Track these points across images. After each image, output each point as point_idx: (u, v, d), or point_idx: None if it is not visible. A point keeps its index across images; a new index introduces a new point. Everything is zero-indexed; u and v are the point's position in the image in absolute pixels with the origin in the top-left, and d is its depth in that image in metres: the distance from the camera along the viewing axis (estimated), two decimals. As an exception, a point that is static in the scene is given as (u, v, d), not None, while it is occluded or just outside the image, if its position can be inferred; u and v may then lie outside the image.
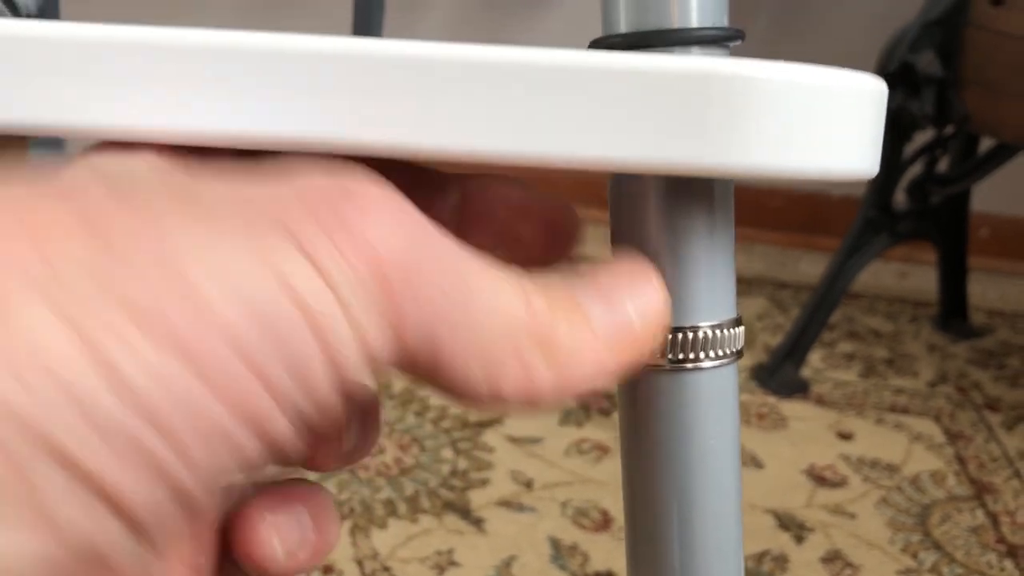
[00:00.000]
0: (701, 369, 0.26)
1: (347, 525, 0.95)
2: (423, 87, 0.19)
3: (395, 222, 0.16)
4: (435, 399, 1.18)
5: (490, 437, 1.11)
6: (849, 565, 0.97)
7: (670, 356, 0.25)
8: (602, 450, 1.11)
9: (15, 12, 0.45)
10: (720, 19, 0.25)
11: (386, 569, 0.90)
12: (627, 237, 0.26)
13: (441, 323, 0.16)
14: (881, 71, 1.20)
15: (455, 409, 1.16)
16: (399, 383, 1.21)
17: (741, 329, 0.26)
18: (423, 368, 0.17)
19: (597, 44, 0.26)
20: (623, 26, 0.25)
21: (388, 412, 1.15)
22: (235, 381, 0.14)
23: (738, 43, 0.26)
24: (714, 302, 0.26)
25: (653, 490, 0.26)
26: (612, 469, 1.07)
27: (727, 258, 0.26)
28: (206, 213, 0.15)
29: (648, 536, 0.27)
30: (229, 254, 0.15)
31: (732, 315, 0.26)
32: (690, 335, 0.25)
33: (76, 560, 0.13)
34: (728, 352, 0.26)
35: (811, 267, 1.65)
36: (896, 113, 1.20)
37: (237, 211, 0.15)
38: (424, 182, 0.24)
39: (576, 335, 0.18)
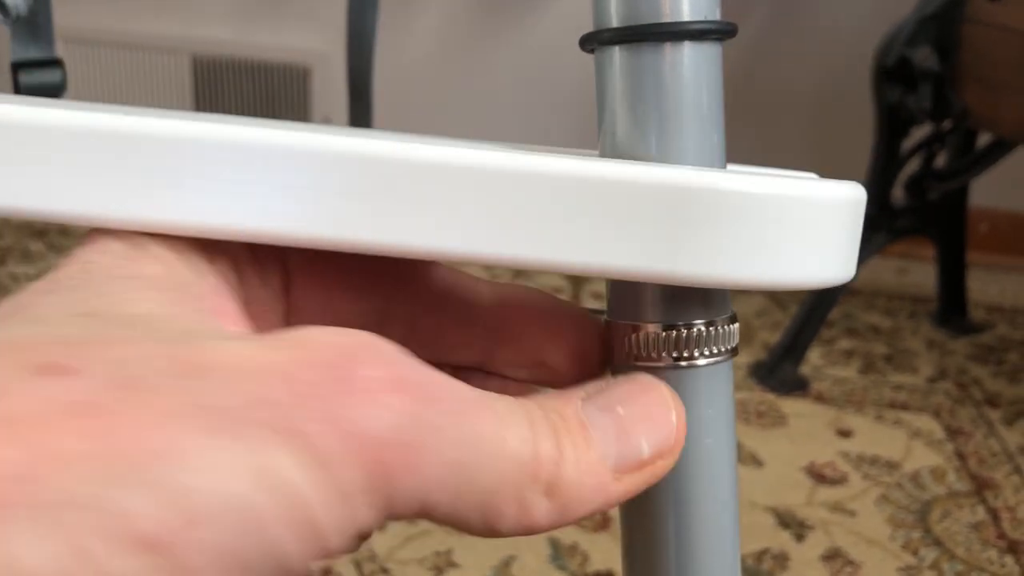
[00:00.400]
0: (696, 367, 0.25)
1: (345, 526, 0.95)
2: (410, 190, 0.20)
3: (398, 398, 0.16)
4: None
5: (489, 437, 1.11)
6: (850, 563, 0.96)
7: (664, 354, 0.25)
8: (601, 449, 1.10)
9: (4, 12, 0.45)
10: (712, 12, 0.25)
11: (385, 571, 0.90)
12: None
13: (440, 491, 0.17)
14: (878, 66, 1.19)
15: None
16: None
17: (736, 326, 0.26)
18: (413, 517, 0.17)
19: (588, 39, 0.26)
20: (614, 20, 0.25)
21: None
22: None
23: (731, 38, 0.25)
24: (708, 299, 0.25)
25: (648, 491, 0.26)
26: (611, 468, 1.07)
27: (721, 254, 0.26)
28: (208, 401, 0.15)
29: (644, 537, 0.27)
30: (225, 459, 0.15)
31: (727, 312, 0.26)
32: (684, 332, 0.25)
33: None
34: (723, 349, 0.26)
35: (809, 264, 1.65)
36: (893, 108, 1.20)
37: (236, 399, 0.16)
38: (456, 303, 0.24)
39: (582, 467, 0.18)
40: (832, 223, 0.21)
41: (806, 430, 1.19)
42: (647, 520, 0.26)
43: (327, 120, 1.73)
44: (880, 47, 1.19)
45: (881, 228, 1.28)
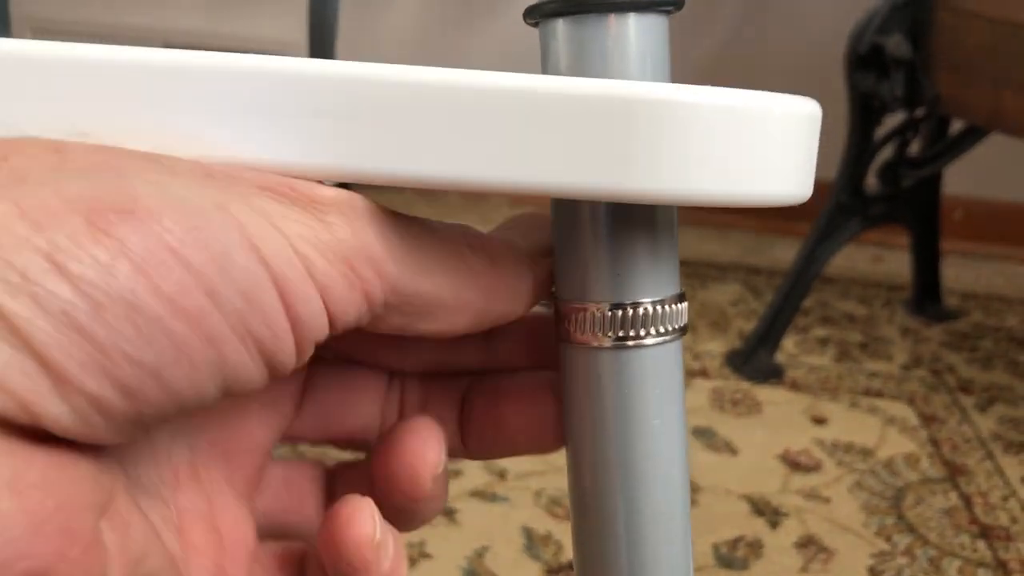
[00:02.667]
0: (643, 346, 0.25)
1: (317, 519, 0.94)
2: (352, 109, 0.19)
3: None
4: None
5: (463, 428, 1.10)
6: (824, 549, 0.96)
7: (610, 334, 0.25)
8: (576, 439, 1.10)
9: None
10: (657, -17, 0.24)
11: (357, 562, 0.89)
12: (567, 210, 0.25)
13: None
14: (851, 53, 1.19)
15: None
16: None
17: (684, 305, 0.25)
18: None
19: (532, 11, 0.25)
20: (557, -6, 0.25)
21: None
22: (177, 286, 0.16)
23: (677, 10, 0.25)
24: (656, 278, 0.25)
25: (597, 472, 0.25)
26: (586, 457, 1.06)
27: (669, 232, 0.25)
28: (170, 169, 0.17)
29: (593, 518, 0.26)
30: (183, 189, 0.17)
31: (675, 291, 0.25)
32: (630, 311, 0.24)
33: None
34: (671, 328, 0.25)
35: (786, 252, 1.65)
36: (866, 96, 1.20)
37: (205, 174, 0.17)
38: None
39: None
40: (783, 137, 0.20)
41: (781, 418, 1.19)
42: (596, 502, 0.26)
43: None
44: (852, 34, 1.19)
45: (855, 215, 1.28)
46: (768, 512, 1.01)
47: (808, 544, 0.97)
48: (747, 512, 1.00)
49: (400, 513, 0.24)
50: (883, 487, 1.07)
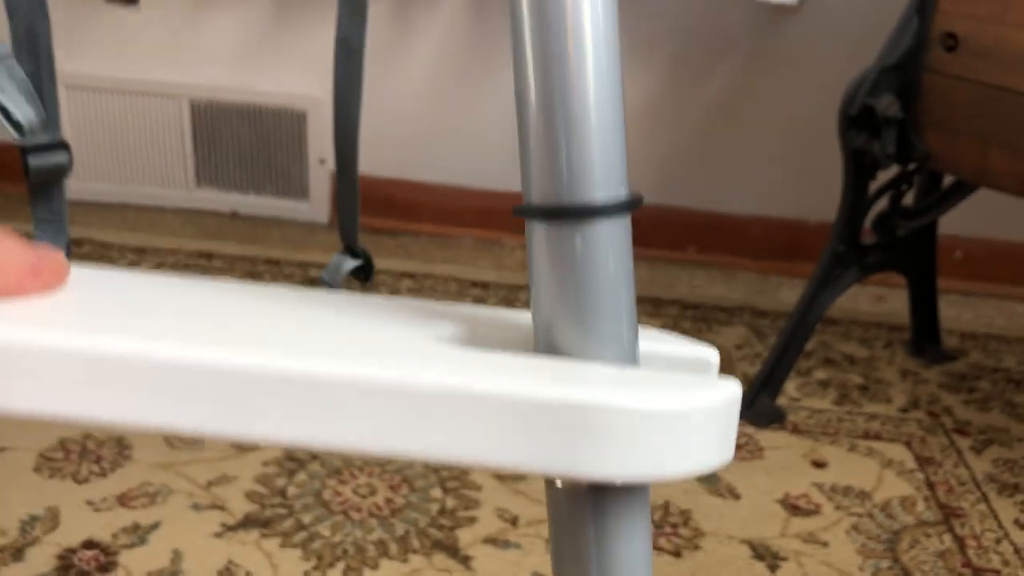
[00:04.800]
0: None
1: (340, 567, 1.00)
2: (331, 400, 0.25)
3: None
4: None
5: (477, 476, 1.16)
6: (821, 592, 1.01)
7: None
8: (585, 485, 1.15)
9: (19, 130, 0.50)
10: (618, 191, 0.30)
11: (378, 609, 0.94)
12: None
13: None
14: (843, 114, 1.25)
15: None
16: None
17: None
18: None
19: (519, 212, 0.31)
20: (535, 198, 0.30)
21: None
22: None
23: (636, 209, 0.31)
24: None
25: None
26: (594, 504, 1.11)
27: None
28: None
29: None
30: None
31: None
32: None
33: None
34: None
35: (791, 294, 1.70)
36: (859, 154, 1.26)
37: None
38: None
39: None
40: (707, 425, 0.26)
41: (782, 462, 1.24)
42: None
43: (322, 162, 1.78)
44: (844, 96, 1.25)
45: (852, 265, 1.34)
46: (768, 556, 1.06)
47: (806, 587, 1.02)
48: (747, 556, 1.05)
49: None
50: (879, 530, 1.12)
